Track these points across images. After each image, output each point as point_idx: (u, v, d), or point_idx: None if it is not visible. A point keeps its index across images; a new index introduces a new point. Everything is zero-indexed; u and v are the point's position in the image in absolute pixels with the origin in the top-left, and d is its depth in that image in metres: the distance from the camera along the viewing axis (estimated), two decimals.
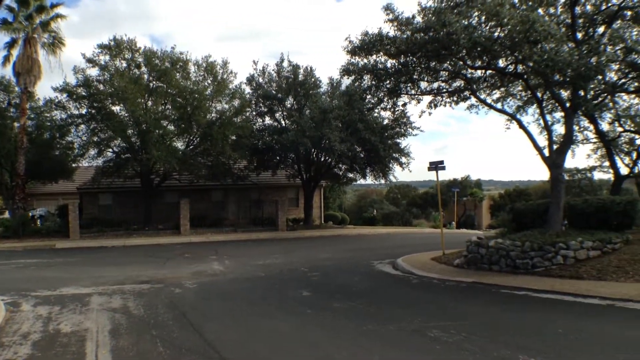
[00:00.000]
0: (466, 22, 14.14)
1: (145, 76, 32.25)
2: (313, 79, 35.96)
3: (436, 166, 19.63)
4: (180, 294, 12.96)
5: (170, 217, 34.85)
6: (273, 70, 36.34)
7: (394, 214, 61.85)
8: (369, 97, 18.77)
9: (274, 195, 39.63)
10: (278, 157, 36.73)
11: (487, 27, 14.75)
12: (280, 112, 36.98)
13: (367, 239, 31.55)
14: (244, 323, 9.74)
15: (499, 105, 20.55)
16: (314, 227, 38.22)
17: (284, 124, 36.42)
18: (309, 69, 36.13)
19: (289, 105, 36.32)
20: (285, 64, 36.09)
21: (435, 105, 18.43)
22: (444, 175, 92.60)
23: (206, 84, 33.39)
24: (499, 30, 14.77)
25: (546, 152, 17.03)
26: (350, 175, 39.84)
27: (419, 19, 15.25)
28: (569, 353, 7.19)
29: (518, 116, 21.16)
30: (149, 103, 32.27)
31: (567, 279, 13.03)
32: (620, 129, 27.62)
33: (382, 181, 39.00)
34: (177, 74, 32.36)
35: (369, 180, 39.23)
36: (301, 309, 10.97)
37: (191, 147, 34.62)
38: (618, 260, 13.70)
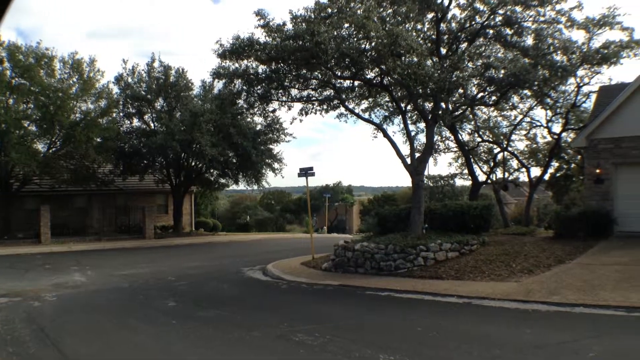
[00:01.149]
0: (336, 33, 14.49)
1: (8, 72, 29.73)
2: (185, 81, 35.21)
3: (306, 172, 19.93)
4: (40, 308, 12.05)
5: (31, 225, 32.30)
6: (143, 70, 35.15)
7: (267, 219, 61.90)
8: (240, 101, 18.67)
9: (141, 201, 37.95)
10: (146, 161, 35.31)
11: (356, 39, 15.21)
12: (149, 114, 35.71)
13: (239, 245, 31.30)
14: (105, 336, 9.26)
15: (367, 115, 21.32)
16: (184, 235, 37.21)
17: (153, 127, 35.24)
18: (180, 70, 35.37)
19: (159, 107, 35.19)
20: (156, 64, 35.05)
21: (306, 113, 18.71)
22: (317, 181, 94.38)
23: (72, 82, 31.34)
24: (366, 43, 15.30)
25: (409, 160, 17.82)
26: (223, 180, 39.40)
27: (289, 26, 15.42)
28: (427, 350, 7.55)
29: (385, 126, 22.09)
30: (10, 101, 29.80)
31: (428, 279, 13.72)
32: (479, 139, 29.64)
33: (255, 187, 38.99)
34: (42, 71, 30.11)
35: (242, 186, 39.05)
36: (166, 319, 10.60)
37: (53, 149, 32.38)
38: (475, 261, 14.68)
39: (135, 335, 9.34)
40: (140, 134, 34.38)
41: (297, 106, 18.87)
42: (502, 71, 17.65)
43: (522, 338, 8.01)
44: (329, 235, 42.53)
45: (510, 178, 32.20)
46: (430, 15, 18.60)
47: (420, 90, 16.22)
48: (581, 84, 24.20)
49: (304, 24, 14.89)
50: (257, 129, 35.39)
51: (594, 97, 23.32)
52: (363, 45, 15.30)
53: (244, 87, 17.23)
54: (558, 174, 33.71)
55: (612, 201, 17.58)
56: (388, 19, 15.75)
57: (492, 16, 18.61)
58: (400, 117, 20.61)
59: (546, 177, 31.63)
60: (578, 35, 46.53)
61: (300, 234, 44.59)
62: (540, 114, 63.37)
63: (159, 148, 31.71)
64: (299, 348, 7.88)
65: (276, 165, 36.71)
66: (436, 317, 10.03)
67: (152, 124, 35.61)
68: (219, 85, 31.53)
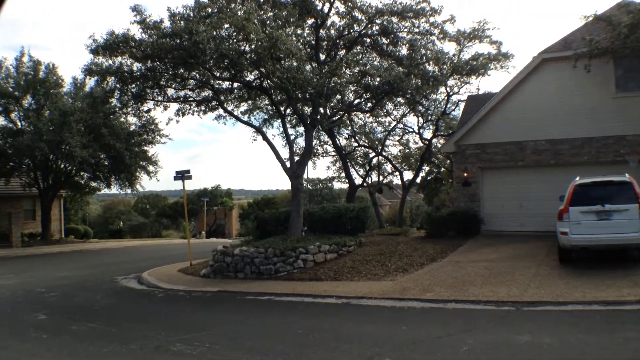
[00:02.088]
0: (215, 33, 14.21)
1: None
2: (55, 77, 33.07)
3: (183, 175, 19.35)
4: None
5: None
6: (11, 65, 32.59)
7: (143, 225, 59.56)
8: (113, 100, 17.79)
9: (7, 206, 34.94)
10: (12, 163, 32.63)
11: (235, 41, 15.01)
12: (16, 113, 33.05)
13: (112, 253, 29.75)
14: None
15: (246, 118, 21.15)
16: (53, 243, 34.72)
17: (20, 126, 32.76)
18: (51, 65, 33.20)
19: (27, 105, 32.76)
20: (25, 58, 32.65)
21: (184, 114, 18.17)
22: (195, 185, 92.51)
23: None
24: (246, 45, 15.15)
25: (288, 163, 17.87)
26: (94, 184, 37.45)
27: (167, 24, 14.92)
28: (308, 352, 7.55)
29: (264, 129, 22.07)
30: None
31: (308, 281, 13.80)
32: (355, 144, 30.45)
33: (129, 191, 37.41)
34: None
35: (115, 189, 37.27)
36: (37, 334, 9.80)
37: None
38: (352, 262, 14.98)
39: (3, 352, 8.54)
40: (6, 134, 31.77)
41: (174, 106, 18.30)
42: (378, 79, 18.19)
43: (399, 335, 8.22)
44: (207, 241, 41.68)
45: (384, 181, 33.43)
46: (310, 21, 18.79)
47: (299, 94, 16.34)
48: (451, 93, 25.71)
49: (182, 22, 14.46)
50: (131, 129, 33.97)
51: (462, 105, 24.81)
52: (243, 47, 15.12)
53: (118, 85, 16.39)
54: (429, 177, 35.53)
55: (479, 202, 18.74)
56: (268, 22, 15.68)
57: (369, 25, 19.15)
58: (279, 120, 20.65)
59: (418, 180, 33.24)
60: (450, 47, 49.43)
61: (178, 240, 43.37)
62: (412, 120, 66.35)
63: (26, 149, 29.54)
64: (177, 359, 7.59)
65: (151, 168, 35.46)
66: (316, 318, 10.10)
67: (19, 123, 33.06)
68: (91, 82, 30.12)
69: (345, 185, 32.39)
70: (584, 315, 8.58)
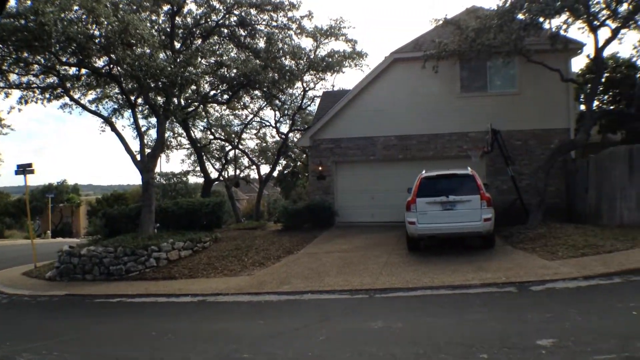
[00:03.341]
0: (63, 15, 13.14)
1: None
2: None
3: (24, 169, 17.73)
4: None
5: None
6: None
7: None
8: None
9: None
10: None
11: (85, 24, 14.02)
12: None
13: None
14: None
15: (94, 107, 19.83)
16: None
17: None
18: None
19: None
20: None
21: (27, 102, 16.67)
22: (39, 180, 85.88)
23: None
24: (95, 28, 14.21)
25: (139, 156, 17.08)
26: None
27: (13, 2, 13.54)
28: (162, 354, 7.19)
29: (114, 119, 20.88)
30: None
31: (162, 280, 13.28)
32: (211, 137, 29.91)
33: None
34: None
35: None
36: None
37: None
38: (208, 258, 14.66)
39: None
40: None
41: (17, 93, 16.76)
42: (235, 70, 18.00)
43: (257, 329, 8.13)
44: (54, 240, 38.89)
45: (241, 175, 33.23)
46: (166, 8, 18.12)
47: (152, 83, 15.62)
48: (307, 89, 26.13)
49: (28, 2, 13.20)
50: None
51: (318, 101, 25.26)
52: (92, 31, 14.15)
53: None
54: (286, 171, 35.86)
55: (333, 195, 19.21)
56: (121, 5, 14.84)
57: (227, 15, 18.87)
58: (130, 110, 19.64)
59: (275, 174, 33.41)
60: (307, 43, 50.23)
61: (22, 240, 39.99)
62: (269, 114, 66.69)
63: None
64: None
65: None
66: (171, 318, 9.71)
67: None
68: None
69: (201, 180, 31.78)
70: (433, 299, 9.04)
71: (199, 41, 19.41)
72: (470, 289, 9.40)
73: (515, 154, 17.45)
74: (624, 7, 14.64)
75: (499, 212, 13.63)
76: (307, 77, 24.15)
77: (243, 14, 18.69)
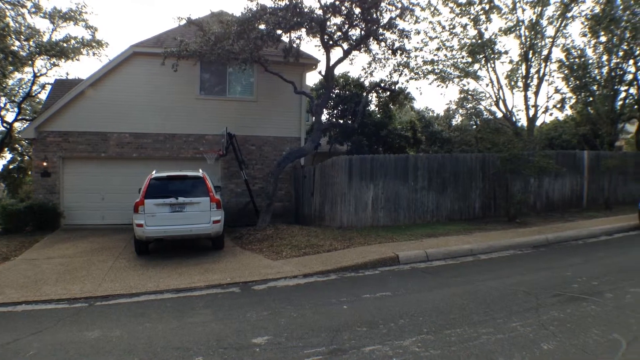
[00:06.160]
0: None
1: None
2: None
3: None
4: None
5: None
6: None
7: None
8: None
9: None
10: None
11: None
12: None
13: None
14: None
15: None
16: None
17: None
18: None
19: None
20: None
21: None
22: None
23: None
24: None
25: None
26: None
27: None
28: None
29: None
30: None
31: None
32: None
33: None
34: None
35: None
36: None
37: None
38: None
39: None
40: None
41: None
42: None
43: None
44: None
45: None
46: None
47: None
48: (39, 74, 23.76)
49: None
50: None
51: (50, 89, 23.18)
52: None
53: None
54: (12, 166, 32.41)
55: (59, 194, 17.66)
56: None
57: None
58: None
59: None
60: (43, 25, 45.59)
61: None
62: None
63: None
64: None
65: None
66: None
67: None
68: None
69: None
70: (156, 304, 8.73)
71: None
72: (195, 292, 9.31)
73: (250, 158, 17.99)
74: (357, 32, 16.06)
75: (233, 214, 13.89)
76: (40, 62, 22.01)
77: None
